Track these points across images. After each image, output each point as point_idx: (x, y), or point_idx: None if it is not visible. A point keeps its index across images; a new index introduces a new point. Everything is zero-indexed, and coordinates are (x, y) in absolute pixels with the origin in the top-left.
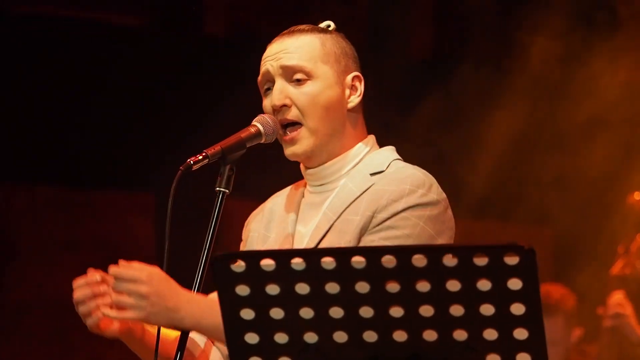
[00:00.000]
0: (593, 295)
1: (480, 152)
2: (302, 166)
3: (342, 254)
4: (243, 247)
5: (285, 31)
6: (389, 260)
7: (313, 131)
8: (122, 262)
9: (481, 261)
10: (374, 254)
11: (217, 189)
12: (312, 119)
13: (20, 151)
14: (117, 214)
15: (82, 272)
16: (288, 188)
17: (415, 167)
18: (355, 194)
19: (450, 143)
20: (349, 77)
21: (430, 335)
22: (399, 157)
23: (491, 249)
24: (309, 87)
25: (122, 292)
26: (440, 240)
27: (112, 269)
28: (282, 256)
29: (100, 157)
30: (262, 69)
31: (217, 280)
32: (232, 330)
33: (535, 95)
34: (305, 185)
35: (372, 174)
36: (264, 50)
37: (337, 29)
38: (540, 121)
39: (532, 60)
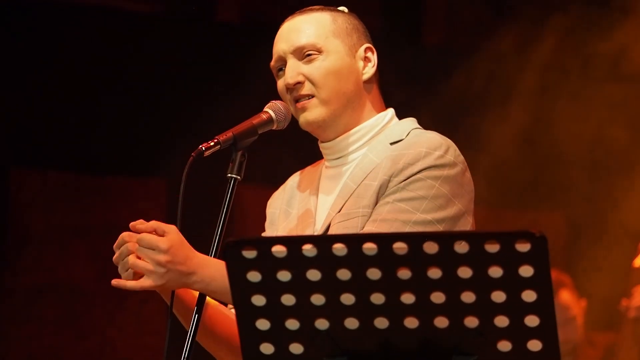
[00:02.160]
0: (604, 284)
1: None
2: (319, 142)
3: (353, 241)
4: (266, 226)
5: (297, 11)
6: (400, 247)
7: (325, 101)
8: (140, 222)
9: (492, 248)
10: (385, 240)
11: (229, 175)
12: (325, 90)
13: (33, 137)
14: (129, 200)
15: (94, 257)
16: (308, 167)
17: (435, 132)
18: (374, 163)
19: (463, 128)
20: (362, 49)
21: (441, 322)
22: (420, 127)
23: (502, 235)
24: (320, 62)
25: (142, 257)
26: (458, 203)
27: (135, 227)
28: (294, 243)
29: (112, 143)
30: (275, 52)
31: (229, 266)
32: (243, 317)
33: (543, 86)
34: (323, 162)
35: (391, 143)
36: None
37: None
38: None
39: (541, 48)
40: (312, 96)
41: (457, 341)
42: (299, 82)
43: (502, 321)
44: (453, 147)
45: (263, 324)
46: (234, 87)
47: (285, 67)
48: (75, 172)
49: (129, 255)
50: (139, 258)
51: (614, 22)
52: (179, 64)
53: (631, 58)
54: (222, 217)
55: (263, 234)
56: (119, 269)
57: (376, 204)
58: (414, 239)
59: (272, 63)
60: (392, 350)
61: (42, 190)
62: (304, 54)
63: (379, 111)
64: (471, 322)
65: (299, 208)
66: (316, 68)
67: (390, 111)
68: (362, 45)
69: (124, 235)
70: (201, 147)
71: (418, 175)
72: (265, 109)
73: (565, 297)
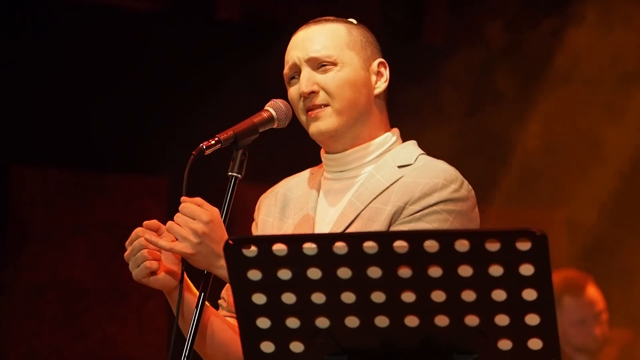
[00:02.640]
0: (612, 280)
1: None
2: (322, 152)
3: (354, 239)
4: (255, 230)
5: (311, 21)
6: (401, 246)
7: (339, 111)
8: (185, 198)
9: (493, 246)
10: (385, 239)
11: (230, 173)
12: (339, 100)
13: (33, 134)
14: (130, 198)
15: (94, 255)
16: (301, 173)
17: (444, 162)
18: (383, 185)
19: (465, 128)
20: (375, 64)
21: (441, 320)
22: (424, 152)
23: (503, 234)
24: (336, 73)
25: (180, 224)
26: None
27: (183, 200)
28: (294, 241)
29: (112, 140)
30: (289, 60)
31: (229, 264)
32: (244, 315)
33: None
34: (321, 172)
35: (399, 167)
36: (278, 35)
37: (349, 14)
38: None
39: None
40: (326, 105)
41: (458, 340)
42: (313, 92)
43: (502, 320)
44: (466, 182)
45: (263, 323)
46: (235, 85)
47: (298, 75)
48: (76, 169)
49: (141, 250)
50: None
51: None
52: (179, 62)
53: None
54: (223, 216)
55: None
56: (130, 265)
57: (387, 229)
58: (415, 238)
59: (286, 70)
60: (392, 348)
61: (43, 187)
62: (319, 64)
63: (385, 130)
64: (472, 320)
65: (294, 218)
66: (331, 78)
67: (396, 131)
68: (376, 59)
69: (138, 230)
70: (202, 146)
71: (434, 208)
72: (266, 107)
73: (592, 292)
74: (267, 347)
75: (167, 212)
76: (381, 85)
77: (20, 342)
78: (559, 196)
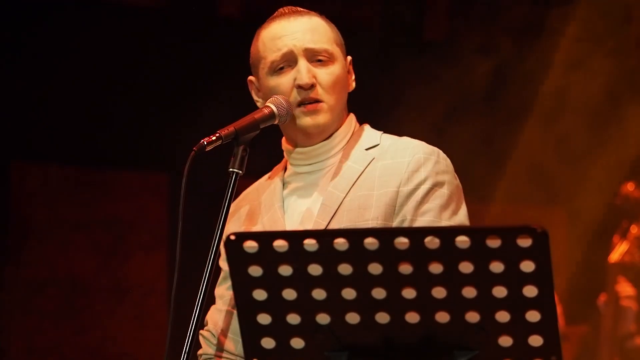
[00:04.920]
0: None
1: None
2: (287, 147)
3: (354, 235)
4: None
5: (287, 11)
6: (401, 242)
7: (331, 108)
8: None
9: (494, 243)
10: (386, 235)
11: (231, 169)
12: (332, 97)
13: (34, 131)
14: (131, 194)
15: (95, 251)
16: (257, 182)
17: (409, 138)
18: (358, 170)
19: (461, 125)
20: (348, 60)
21: (442, 317)
22: (382, 131)
23: (504, 230)
24: (332, 69)
25: None
26: (462, 203)
27: None
28: (295, 237)
29: (113, 137)
30: (281, 48)
31: (230, 260)
32: (245, 311)
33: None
34: (280, 171)
35: (367, 149)
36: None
37: (348, 11)
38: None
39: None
40: (321, 101)
41: (458, 336)
42: (313, 85)
43: (503, 316)
44: (441, 151)
45: (264, 319)
46: (236, 82)
47: (289, 65)
48: (77, 166)
49: None
50: None
51: None
52: (180, 59)
53: None
54: (224, 212)
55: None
56: None
57: (387, 213)
58: (416, 234)
59: (276, 58)
60: (393, 345)
61: (44, 184)
62: (314, 57)
63: (346, 116)
64: (472, 317)
65: (262, 220)
66: (328, 74)
67: (353, 117)
68: (347, 57)
69: None
70: (203, 142)
71: (427, 185)
72: (267, 103)
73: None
74: (268, 343)
75: (168, 208)
76: (352, 83)
77: (20, 338)
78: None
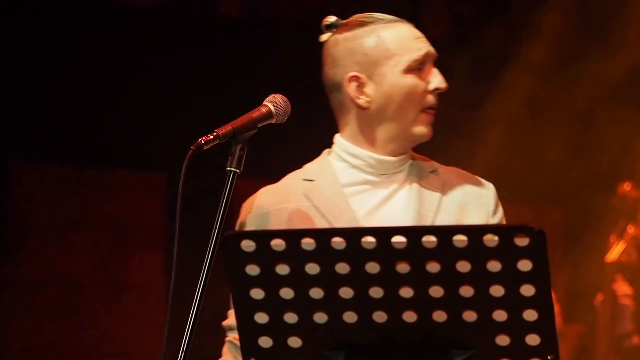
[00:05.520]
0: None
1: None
2: (355, 147)
3: (351, 234)
4: None
5: (398, 18)
6: (399, 241)
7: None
8: None
9: (491, 242)
10: (383, 234)
11: (228, 168)
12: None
13: (32, 130)
14: (129, 193)
15: (93, 250)
16: (289, 184)
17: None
18: (436, 194)
19: (460, 122)
20: None
21: (440, 316)
22: None
23: (501, 229)
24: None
25: None
26: None
27: None
28: (292, 236)
29: (112, 136)
30: (421, 48)
31: (227, 259)
32: (242, 310)
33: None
34: (330, 173)
35: (430, 172)
36: (278, 31)
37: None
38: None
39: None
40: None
41: (456, 335)
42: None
43: (500, 315)
44: None
45: (262, 318)
46: (234, 80)
47: (422, 67)
48: (75, 165)
49: None
50: None
51: None
52: (179, 58)
53: None
54: (221, 211)
55: None
56: None
57: None
58: (413, 233)
59: (418, 57)
60: (390, 344)
61: (42, 183)
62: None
63: None
64: (470, 316)
65: (338, 225)
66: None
67: None
68: None
69: None
70: (200, 141)
71: (503, 222)
72: (265, 102)
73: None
74: (265, 342)
75: (165, 207)
76: None
77: (19, 337)
78: None
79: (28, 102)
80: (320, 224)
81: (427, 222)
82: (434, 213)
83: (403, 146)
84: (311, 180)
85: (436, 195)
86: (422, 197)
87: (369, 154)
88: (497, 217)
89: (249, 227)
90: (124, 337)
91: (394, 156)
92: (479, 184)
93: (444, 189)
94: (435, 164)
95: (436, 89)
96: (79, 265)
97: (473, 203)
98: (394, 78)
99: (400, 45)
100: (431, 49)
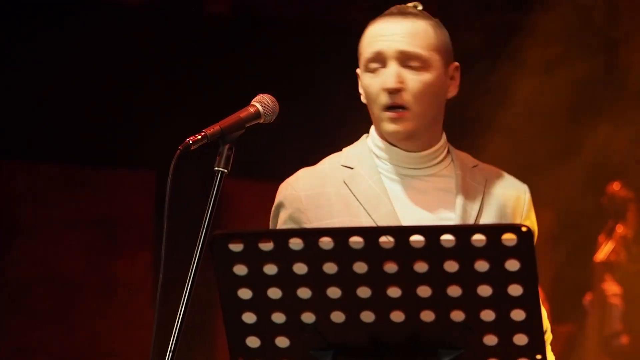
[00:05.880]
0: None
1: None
2: (385, 141)
3: (339, 234)
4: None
5: (395, 11)
6: (386, 241)
7: (417, 116)
8: None
9: (479, 242)
10: (371, 234)
11: (216, 168)
12: (420, 105)
13: (22, 130)
14: (118, 192)
15: (84, 250)
16: (328, 169)
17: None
18: (479, 190)
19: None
20: (452, 67)
21: (427, 315)
22: None
23: (489, 229)
24: (424, 76)
25: None
26: None
27: None
28: (280, 236)
29: (101, 135)
30: (374, 47)
31: (215, 259)
32: (230, 310)
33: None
34: (370, 164)
35: (472, 167)
36: (267, 29)
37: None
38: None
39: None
40: (406, 108)
41: (444, 335)
42: (398, 90)
43: (488, 315)
44: None
45: (249, 318)
46: (223, 79)
47: (381, 66)
48: (65, 164)
49: None
50: None
51: None
52: (168, 56)
53: None
54: (209, 210)
55: None
56: None
57: None
58: (400, 233)
59: (369, 56)
60: (378, 343)
61: (32, 182)
62: (406, 61)
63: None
64: (457, 316)
65: (377, 216)
66: (418, 81)
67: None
68: (453, 63)
69: None
70: (188, 141)
71: (533, 227)
72: (253, 102)
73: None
74: (253, 342)
75: (155, 206)
76: (453, 90)
77: (9, 337)
78: None
79: (17, 102)
80: (358, 212)
81: (471, 218)
82: (477, 209)
83: (398, 143)
84: (351, 168)
85: (480, 189)
86: (468, 190)
87: (392, 148)
88: (528, 222)
89: (287, 208)
90: (114, 336)
91: (414, 151)
92: (516, 186)
93: (487, 185)
94: (476, 160)
95: (383, 88)
96: (69, 265)
97: (511, 206)
98: (362, 77)
99: (364, 43)
100: (390, 47)
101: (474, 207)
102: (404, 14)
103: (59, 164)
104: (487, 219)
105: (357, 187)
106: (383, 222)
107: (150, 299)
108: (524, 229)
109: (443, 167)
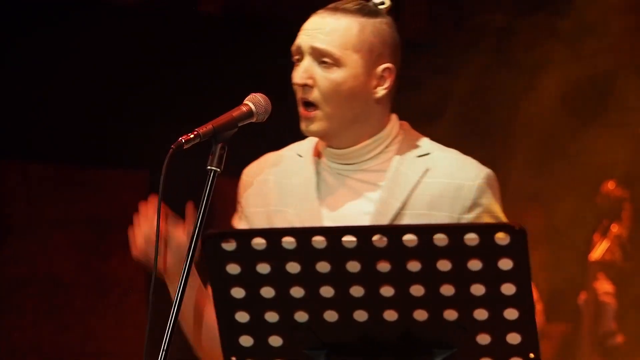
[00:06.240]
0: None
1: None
2: (322, 144)
3: (332, 233)
4: (239, 219)
5: (332, 6)
6: (379, 240)
7: (328, 116)
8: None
9: (472, 241)
10: (364, 233)
11: (209, 167)
12: (330, 104)
13: (13, 129)
14: (111, 192)
15: (75, 249)
16: (283, 154)
17: (457, 152)
18: (411, 179)
19: (443, 121)
20: (380, 68)
21: (420, 315)
22: (424, 135)
23: (482, 228)
24: (334, 74)
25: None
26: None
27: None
28: (273, 235)
29: (93, 134)
30: (297, 40)
31: (208, 258)
32: (223, 309)
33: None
34: (313, 157)
35: (418, 156)
36: (259, 28)
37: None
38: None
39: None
40: (316, 107)
41: (437, 334)
42: (307, 85)
43: (481, 314)
44: (491, 172)
45: (242, 317)
46: (215, 79)
47: (301, 59)
48: (57, 163)
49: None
50: None
51: None
52: (161, 55)
53: None
54: (202, 210)
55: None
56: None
57: None
58: (393, 232)
59: (293, 48)
60: (371, 343)
61: (24, 182)
62: (320, 57)
63: (387, 119)
64: (450, 315)
65: (297, 208)
66: (327, 79)
67: (395, 117)
68: (382, 64)
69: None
70: (181, 140)
71: (486, 219)
72: (246, 101)
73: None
74: (246, 341)
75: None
76: (380, 91)
77: (0, 337)
78: None
79: (9, 101)
80: (287, 203)
81: (390, 210)
82: (403, 200)
83: (322, 140)
84: (301, 157)
85: (413, 180)
86: (397, 183)
87: (322, 143)
88: (474, 213)
89: (239, 192)
90: (106, 336)
91: (340, 147)
92: (465, 174)
93: (427, 174)
94: (433, 147)
95: (293, 82)
96: (61, 265)
97: (449, 195)
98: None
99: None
100: (306, 42)
101: (400, 198)
102: (336, 10)
103: (51, 163)
104: (413, 209)
105: (294, 177)
106: (306, 215)
107: (142, 298)
108: (517, 228)
109: (379, 161)
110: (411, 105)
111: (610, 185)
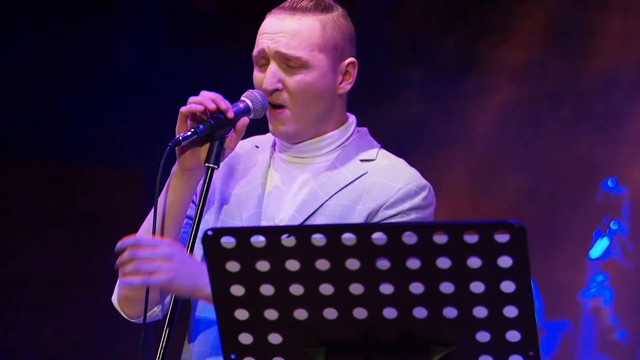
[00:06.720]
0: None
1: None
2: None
3: (332, 231)
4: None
5: (288, 5)
6: (379, 238)
7: (298, 116)
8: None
9: (471, 238)
10: (364, 231)
11: (206, 164)
12: (300, 106)
13: (10, 126)
14: (107, 189)
15: (72, 247)
16: (243, 143)
17: (403, 161)
18: (347, 179)
19: (434, 119)
20: (344, 63)
21: (420, 312)
22: (379, 145)
23: (481, 226)
24: (302, 76)
25: (144, 258)
26: None
27: (129, 239)
28: (273, 233)
29: (89, 132)
30: (259, 44)
31: (208, 256)
32: (222, 307)
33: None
34: (270, 147)
35: (362, 160)
36: (257, 26)
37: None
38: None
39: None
40: (285, 107)
41: (436, 332)
42: (276, 89)
43: (480, 312)
44: (431, 187)
45: (242, 314)
46: (212, 76)
47: (265, 62)
48: (54, 161)
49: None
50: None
51: None
52: (156, 53)
53: None
54: (200, 206)
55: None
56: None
57: None
58: (393, 230)
59: (255, 53)
60: (371, 340)
61: (21, 179)
62: (286, 62)
63: (343, 118)
64: (450, 312)
65: (241, 191)
66: (296, 82)
67: (353, 119)
68: (346, 59)
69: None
70: (178, 137)
71: (407, 217)
72: (243, 97)
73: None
74: (246, 338)
75: (144, 203)
76: (346, 86)
77: None
78: None
79: (4, 98)
80: (225, 183)
81: (318, 201)
82: (327, 195)
83: (283, 140)
84: (257, 147)
85: (346, 180)
86: (328, 179)
87: (279, 139)
88: (394, 211)
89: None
90: (103, 333)
91: (295, 144)
92: (399, 178)
93: (365, 176)
94: (381, 155)
95: (263, 88)
96: (58, 262)
97: (374, 192)
98: (254, 68)
99: (257, 38)
100: (270, 47)
101: (329, 193)
102: (293, 9)
103: (47, 160)
104: (335, 202)
105: (244, 164)
106: (243, 197)
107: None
108: (516, 226)
109: (327, 159)
110: None
111: (609, 182)
